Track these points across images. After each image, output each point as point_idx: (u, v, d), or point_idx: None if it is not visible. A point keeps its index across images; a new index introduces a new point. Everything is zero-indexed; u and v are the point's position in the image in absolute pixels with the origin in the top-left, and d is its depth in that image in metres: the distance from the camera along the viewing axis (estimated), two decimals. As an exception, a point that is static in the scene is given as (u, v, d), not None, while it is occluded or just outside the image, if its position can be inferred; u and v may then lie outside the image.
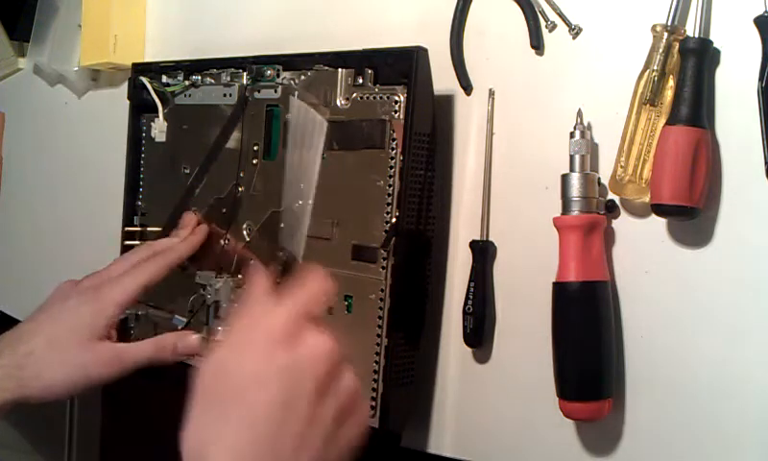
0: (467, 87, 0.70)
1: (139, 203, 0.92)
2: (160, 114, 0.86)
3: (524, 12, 0.66)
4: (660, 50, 0.57)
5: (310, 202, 0.66)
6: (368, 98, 0.70)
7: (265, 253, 0.77)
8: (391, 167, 0.68)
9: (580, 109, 0.62)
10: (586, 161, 0.61)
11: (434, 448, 0.71)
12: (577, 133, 0.61)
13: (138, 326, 0.90)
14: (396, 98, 0.68)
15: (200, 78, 0.84)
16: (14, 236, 1.24)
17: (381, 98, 0.69)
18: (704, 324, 0.57)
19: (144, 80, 0.87)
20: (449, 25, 0.70)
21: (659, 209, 0.56)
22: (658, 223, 0.59)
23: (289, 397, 0.47)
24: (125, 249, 0.90)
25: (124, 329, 0.91)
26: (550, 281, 0.61)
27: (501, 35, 0.68)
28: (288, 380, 0.47)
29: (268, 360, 0.47)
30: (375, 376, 0.67)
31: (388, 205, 0.68)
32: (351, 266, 0.70)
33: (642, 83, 0.58)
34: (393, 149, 0.68)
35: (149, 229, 0.90)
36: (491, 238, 0.68)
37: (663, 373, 0.59)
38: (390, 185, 0.68)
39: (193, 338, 0.72)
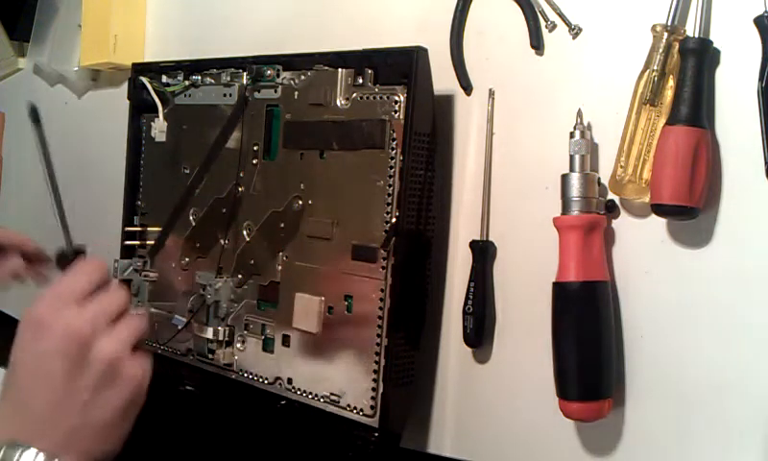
0: (467, 87, 0.70)
1: (139, 203, 0.92)
2: (160, 114, 0.86)
3: (524, 12, 0.66)
4: (660, 50, 0.57)
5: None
6: (368, 98, 0.70)
7: (265, 252, 0.77)
8: (391, 167, 0.68)
9: (580, 109, 0.62)
10: (586, 161, 0.61)
11: (434, 448, 0.71)
12: (577, 133, 0.61)
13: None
14: (396, 98, 0.68)
15: (200, 78, 0.84)
16: (14, 236, 1.24)
17: (381, 98, 0.69)
18: (704, 323, 0.57)
19: (144, 80, 0.87)
20: (449, 25, 0.70)
21: (659, 209, 0.56)
22: (658, 223, 0.59)
23: (40, 372, 0.52)
24: (125, 249, 0.90)
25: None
26: (550, 281, 0.61)
27: (501, 35, 0.68)
28: (36, 360, 0.53)
29: (29, 343, 0.53)
30: (375, 376, 0.68)
31: (388, 205, 0.68)
32: (351, 266, 0.70)
33: (642, 83, 0.58)
34: (393, 149, 0.68)
35: (149, 228, 0.90)
36: (491, 238, 0.68)
37: (663, 373, 0.59)
38: (390, 185, 0.68)
39: None
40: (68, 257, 0.61)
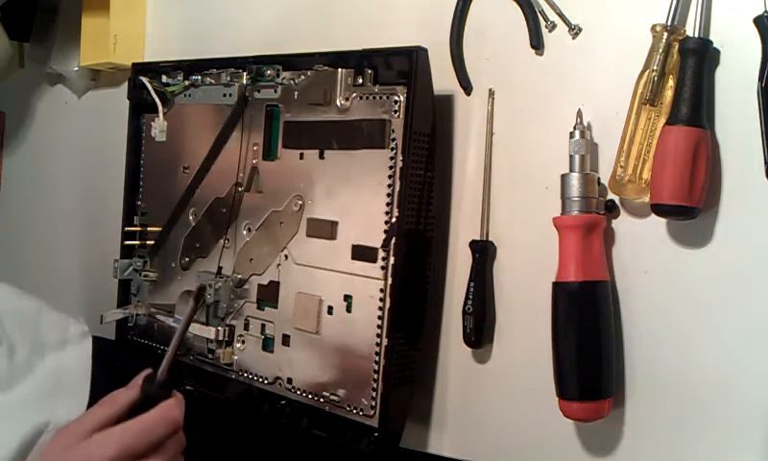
0: (467, 87, 0.70)
1: (139, 203, 0.92)
2: (160, 114, 0.86)
3: (524, 12, 0.66)
4: (660, 50, 0.57)
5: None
6: (368, 98, 0.70)
7: (265, 252, 0.77)
8: (391, 167, 0.68)
9: (580, 110, 0.62)
10: (586, 161, 0.61)
11: (434, 448, 0.71)
12: (577, 133, 0.61)
13: (138, 326, 0.90)
14: (396, 98, 0.68)
15: (200, 78, 0.84)
16: (14, 236, 1.24)
17: (381, 98, 0.69)
18: (704, 324, 0.57)
19: (144, 80, 0.87)
20: (449, 25, 0.70)
21: (658, 209, 0.56)
22: (658, 223, 0.59)
23: None
24: (125, 249, 0.90)
25: (123, 329, 0.91)
26: (550, 281, 0.61)
27: (501, 35, 0.68)
28: None
29: None
30: (375, 376, 0.68)
31: (388, 205, 0.68)
32: (351, 266, 0.70)
33: (642, 83, 0.58)
34: (393, 149, 0.68)
35: (149, 228, 0.90)
36: (491, 238, 0.68)
37: (663, 372, 0.59)
38: (390, 185, 0.68)
39: None
40: (152, 399, 0.57)
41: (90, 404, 0.68)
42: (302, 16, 0.84)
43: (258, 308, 0.78)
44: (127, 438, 0.54)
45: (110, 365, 0.82)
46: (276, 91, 0.77)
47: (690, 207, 0.55)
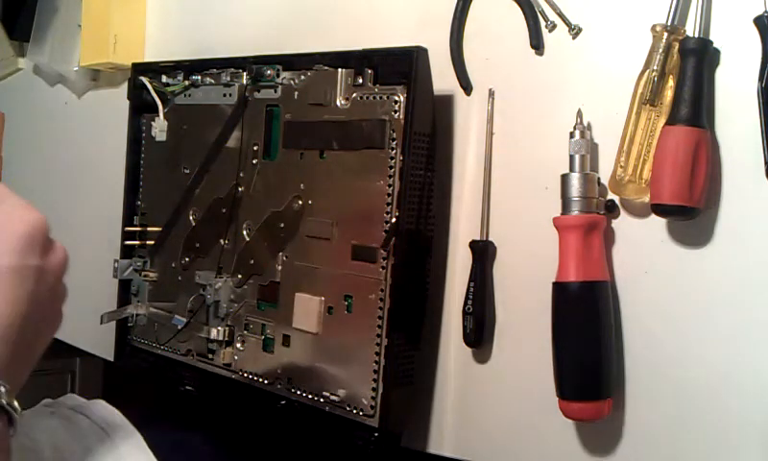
0: (467, 87, 0.70)
1: (139, 203, 0.92)
2: (161, 113, 0.86)
3: (524, 12, 0.66)
4: (660, 50, 0.57)
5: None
6: (368, 98, 0.70)
7: (265, 252, 0.77)
8: (391, 167, 0.68)
9: (580, 110, 0.62)
10: (586, 161, 0.61)
11: (434, 448, 0.71)
12: (577, 133, 0.61)
13: (138, 326, 0.90)
14: (396, 98, 0.68)
15: (200, 78, 0.84)
16: (14, 236, 1.24)
17: (381, 98, 0.69)
18: (704, 324, 0.57)
19: (144, 80, 0.87)
20: (449, 25, 0.70)
21: (659, 209, 0.56)
22: (658, 223, 0.59)
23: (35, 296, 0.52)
24: (125, 249, 0.90)
25: (123, 329, 0.91)
26: (550, 281, 0.61)
27: (501, 35, 0.68)
28: (38, 282, 0.53)
29: (21, 258, 0.53)
30: (375, 376, 0.68)
31: (388, 205, 0.68)
32: (351, 266, 0.70)
33: (642, 83, 0.58)
34: (393, 149, 0.68)
35: (149, 228, 0.90)
36: (491, 238, 0.68)
37: (663, 373, 0.59)
38: (390, 185, 0.68)
39: None
40: None
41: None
42: (302, 16, 0.84)
43: (258, 308, 0.78)
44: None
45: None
46: (276, 91, 0.77)
47: (690, 207, 0.55)
